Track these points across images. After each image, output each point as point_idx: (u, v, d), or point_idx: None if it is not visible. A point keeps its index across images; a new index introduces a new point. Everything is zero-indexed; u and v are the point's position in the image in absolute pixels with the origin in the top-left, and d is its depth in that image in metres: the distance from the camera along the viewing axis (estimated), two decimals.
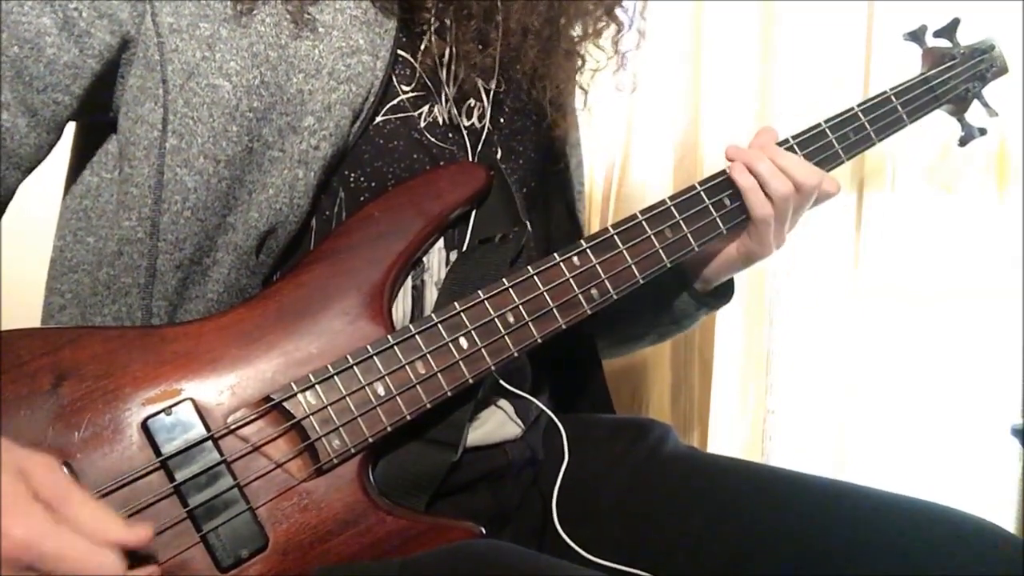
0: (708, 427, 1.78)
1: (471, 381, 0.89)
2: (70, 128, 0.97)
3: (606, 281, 0.96)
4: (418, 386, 0.87)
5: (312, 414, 0.83)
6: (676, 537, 0.97)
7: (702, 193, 1.03)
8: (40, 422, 0.76)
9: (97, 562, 0.67)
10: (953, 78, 1.22)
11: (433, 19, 0.96)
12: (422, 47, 0.97)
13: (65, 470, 0.74)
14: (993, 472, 1.67)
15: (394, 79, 0.96)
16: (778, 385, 1.80)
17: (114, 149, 0.92)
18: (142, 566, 0.71)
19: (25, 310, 0.97)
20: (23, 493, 0.67)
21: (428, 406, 0.87)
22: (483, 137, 1.02)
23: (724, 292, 1.17)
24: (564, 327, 0.94)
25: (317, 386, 0.83)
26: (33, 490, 0.68)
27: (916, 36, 1.24)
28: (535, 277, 0.93)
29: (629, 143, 1.80)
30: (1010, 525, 1.65)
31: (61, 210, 0.96)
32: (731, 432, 1.78)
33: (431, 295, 0.95)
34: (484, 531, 0.88)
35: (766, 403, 1.80)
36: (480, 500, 0.99)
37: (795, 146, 1.08)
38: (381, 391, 0.85)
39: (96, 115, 0.93)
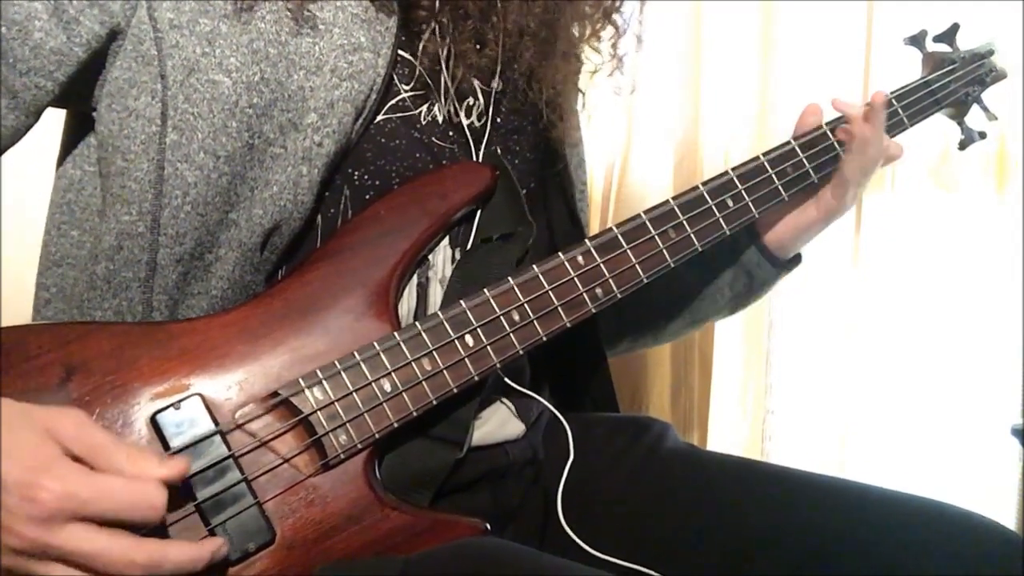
0: (708, 427, 1.79)
1: (476, 378, 0.89)
2: (59, 124, 0.98)
3: (610, 280, 0.97)
4: (424, 383, 0.87)
5: (319, 410, 0.83)
6: (676, 535, 0.97)
7: (705, 194, 1.03)
8: None
9: (140, 494, 0.70)
10: (953, 82, 1.23)
11: (432, 18, 0.96)
12: (421, 46, 0.97)
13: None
14: (993, 472, 1.68)
15: (395, 78, 0.96)
16: (778, 385, 1.81)
17: (95, 142, 0.92)
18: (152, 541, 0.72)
19: (25, 309, 0.97)
20: (53, 451, 0.69)
21: (434, 403, 0.87)
22: (484, 136, 1.03)
23: (797, 256, 1.20)
24: (569, 325, 0.94)
25: (324, 382, 0.84)
26: (63, 447, 0.69)
27: (916, 40, 1.25)
28: (540, 276, 0.93)
29: (629, 143, 1.81)
30: (1010, 525, 1.64)
31: (48, 204, 0.96)
32: (731, 432, 1.79)
33: (436, 293, 0.96)
34: (489, 527, 0.88)
35: (766, 403, 1.81)
36: (481, 500, 1.00)
37: (797, 148, 1.09)
38: (388, 387, 0.86)
39: (76, 104, 0.93)
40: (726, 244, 1.13)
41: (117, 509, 0.69)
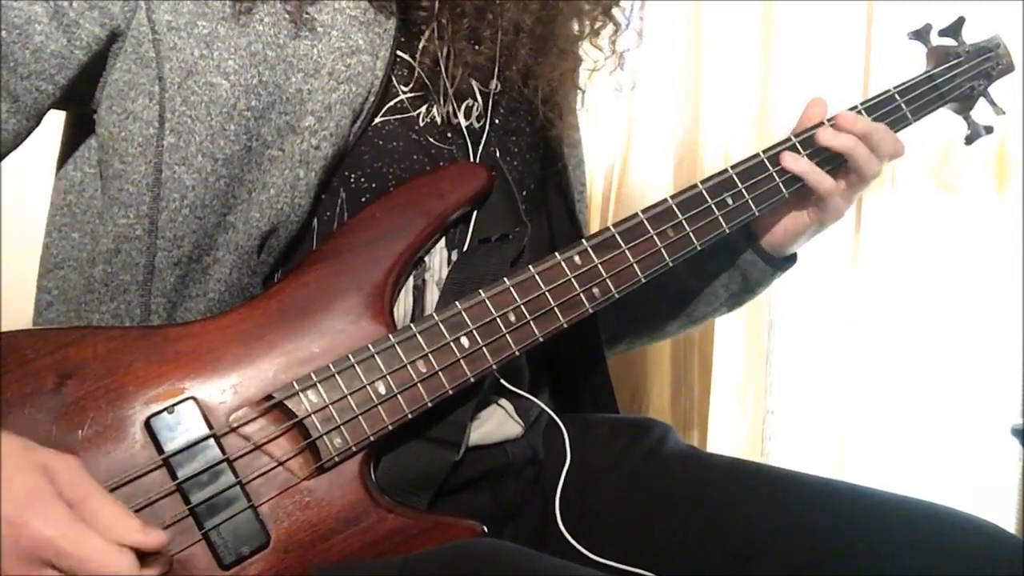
0: (708, 427, 1.79)
1: (472, 380, 0.89)
2: (59, 125, 0.97)
3: (607, 280, 0.96)
4: (419, 385, 0.87)
5: (313, 413, 0.83)
6: (676, 536, 0.97)
7: (704, 192, 1.03)
8: (44, 421, 0.77)
9: (113, 562, 0.69)
10: (958, 76, 1.22)
11: (432, 19, 0.96)
12: (420, 47, 0.97)
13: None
14: (993, 472, 1.67)
15: (393, 79, 0.96)
16: (778, 385, 1.80)
17: (96, 144, 0.92)
18: (148, 563, 0.72)
19: (25, 310, 0.97)
20: (47, 491, 0.69)
21: (429, 405, 0.87)
22: (483, 138, 1.02)
23: (792, 255, 1.20)
24: (565, 326, 0.94)
25: (319, 385, 0.83)
26: (56, 489, 0.69)
27: (920, 35, 1.24)
28: (536, 276, 0.93)
29: (629, 143, 1.80)
30: (1010, 525, 1.65)
31: (49, 206, 0.96)
32: (731, 432, 1.79)
33: (432, 294, 0.95)
34: (486, 529, 0.88)
35: (766, 403, 1.81)
36: (481, 499, 0.99)
37: (797, 144, 1.08)
38: (382, 390, 0.85)
39: (77, 106, 0.93)
40: (721, 244, 1.13)
41: (86, 571, 0.68)
